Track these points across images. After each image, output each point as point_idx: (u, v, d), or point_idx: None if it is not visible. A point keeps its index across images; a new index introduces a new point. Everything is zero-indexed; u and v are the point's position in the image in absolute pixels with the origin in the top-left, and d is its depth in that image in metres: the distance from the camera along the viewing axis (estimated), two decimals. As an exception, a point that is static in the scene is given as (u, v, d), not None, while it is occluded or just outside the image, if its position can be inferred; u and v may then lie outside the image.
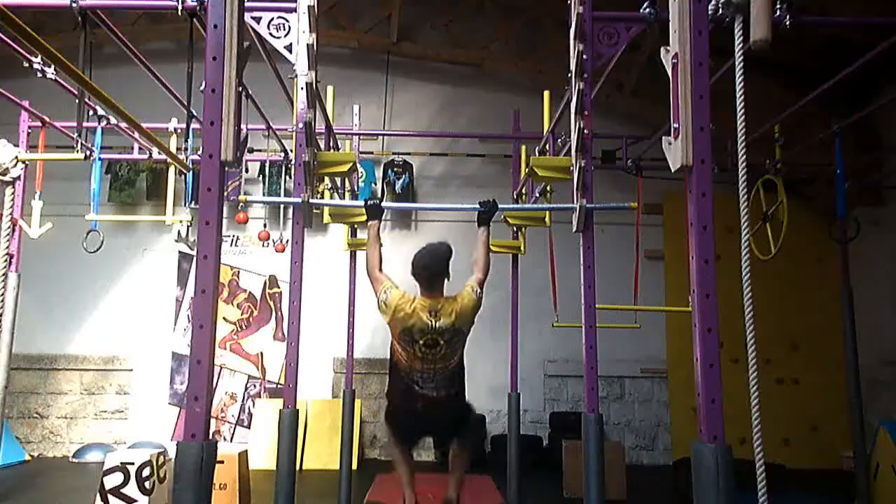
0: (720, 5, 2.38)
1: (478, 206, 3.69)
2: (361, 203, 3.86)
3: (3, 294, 5.08)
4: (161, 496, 4.66)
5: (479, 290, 3.73)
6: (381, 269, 3.76)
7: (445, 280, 3.73)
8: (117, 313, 7.99)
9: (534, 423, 7.87)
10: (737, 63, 2.08)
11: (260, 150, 6.74)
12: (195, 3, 3.61)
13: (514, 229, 5.40)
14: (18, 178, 5.16)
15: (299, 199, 3.29)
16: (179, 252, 7.91)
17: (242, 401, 7.94)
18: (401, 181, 7.84)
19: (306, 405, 7.51)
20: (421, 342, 3.60)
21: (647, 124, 7.29)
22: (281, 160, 6.84)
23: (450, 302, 3.66)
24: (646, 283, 6.36)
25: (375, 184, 8.10)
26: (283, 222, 7.09)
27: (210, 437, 2.04)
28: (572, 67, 3.19)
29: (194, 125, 4.31)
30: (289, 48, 3.43)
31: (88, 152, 5.17)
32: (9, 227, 5.21)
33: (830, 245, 5.74)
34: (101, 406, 7.87)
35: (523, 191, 5.43)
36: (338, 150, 5.04)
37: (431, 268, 3.69)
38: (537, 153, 4.93)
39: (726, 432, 1.89)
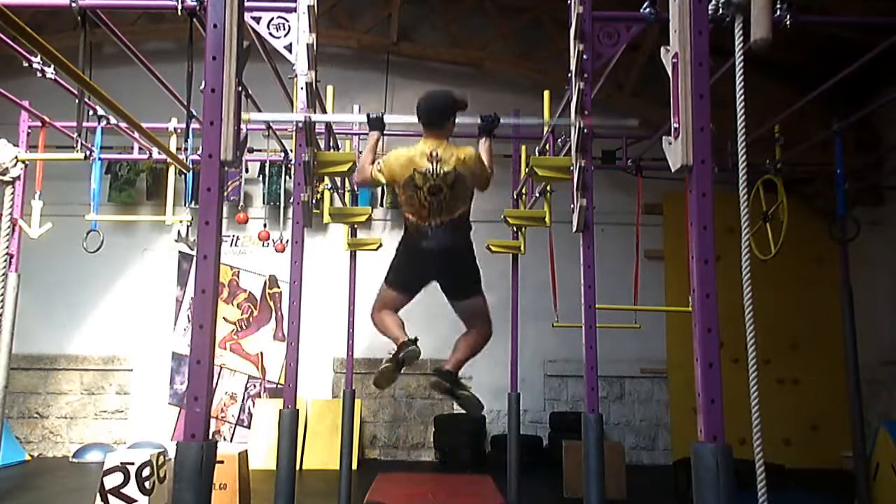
0: (720, 5, 2.38)
1: (479, 118, 3.73)
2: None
3: (3, 294, 5.09)
4: (161, 496, 4.66)
5: (481, 154, 3.73)
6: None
7: (448, 126, 3.68)
8: (117, 313, 7.99)
9: (534, 423, 7.87)
10: (737, 63, 2.08)
11: (260, 150, 6.74)
12: (195, 3, 3.61)
13: (514, 229, 5.40)
14: (18, 177, 5.17)
15: (302, 117, 3.24)
16: (179, 252, 7.91)
17: (242, 401, 7.94)
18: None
19: (306, 405, 7.51)
20: (425, 189, 3.54)
21: (647, 124, 7.29)
22: (281, 160, 6.85)
23: (451, 148, 3.62)
24: (646, 283, 6.36)
25: (375, 184, 8.09)
26: (283, 222, 7.09)
27: (210, 437, 2.04)
28: (572, 67, 3.19)
29: (194, 125, 4.31)
30: (289, 48, 3.42)
31: (88, 152, 5.18)
32: (9, 227, 5.21)
33: (830, 245, 5.74)
34: (101, 406, 7.87)
35: (523, 191, 5.43)
36: (338, 150, 5.04)
37: (432, 103, 3.65)
38: (537, 153, 4.93)
39: (726, 432, 1.89)
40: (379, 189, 8.05)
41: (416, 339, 3.67)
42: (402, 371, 3.80)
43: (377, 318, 3.85)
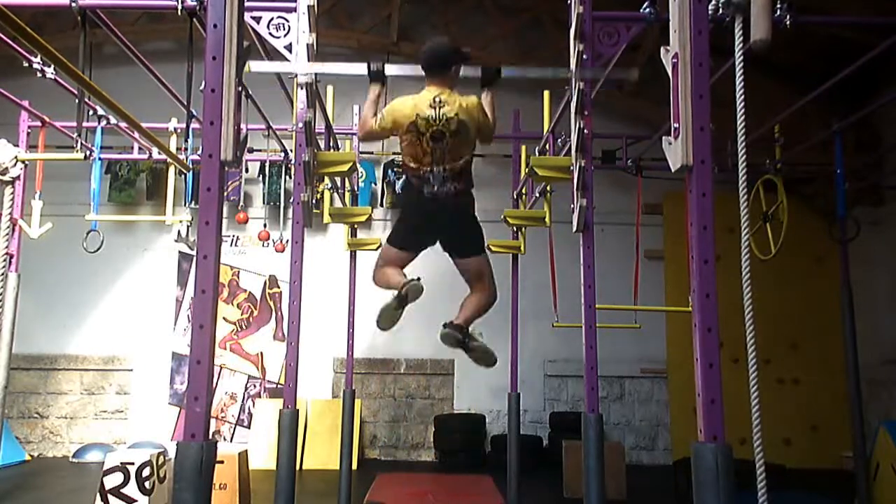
0: (720, 5, 2.38)
1: (481, 69, 3.69)
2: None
3: (3, 294, 5.08)
4: (161, 496, 4.66)
5: (487, 121, 3.72)
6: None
7: (451, 74, 3.68)
8: (117, 313, 7.99)
9: (534, 423, 7.87)
10: (737, 63, 2.08)
11: (260, 150, 6.74)
12: (195, 3, 3.61)
13: (514, 229, 5.40)
14: (18, 177, 5.17)
15: (304, 70, 3.20)
16: (179, 252, 7.91)
17: (242, 401, 7.94)
18: (401, 181, 7.80)
19: (306, 405, 7.51)
20: (427, 134, 3.55)
21: (648, 124, 7.29)
22: (281, 160, 6.85)
23: (454, 95, 3.63)
24: (646, 283, 6.36)
25: (375, 184, 8.10)
26: (283, 222, 7.09)
27: (210, 437, 2.04)
28: (572, 67, 3.19)
29: (194, 125, 4.31)
30: (289, 48, 3.42)
31: (88, 152, 5.18)
32: (9, 227, 5.21)
33: (830, 245, 5.74)
34: (101, 406, 7.87)
35: (523, 191, 5.43)
36: (338, 150, 5.04)
37: (434, 50, 3.67)
38: (537, 153, 4.93)
39: (726, 432, 1.89)
40: (379, 189, 8.06)
41: (418, 278, 3.64)
42: (405, 308, 3.67)
43: (377, 274, 3.78)
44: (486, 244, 3.84)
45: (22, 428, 7.71)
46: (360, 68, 3.54)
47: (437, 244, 3.78)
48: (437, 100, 3.58)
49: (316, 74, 3.35)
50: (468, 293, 3.77)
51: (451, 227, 3.69)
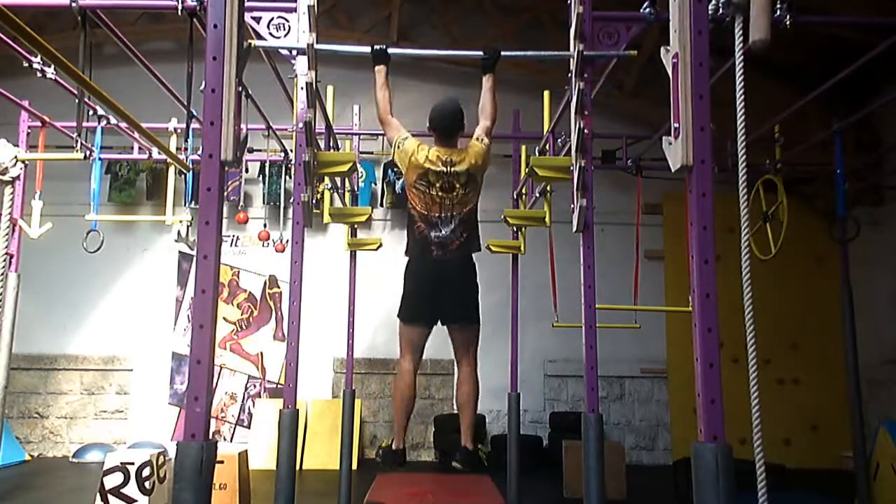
0: (720, 5, 2.38)
1: (482, 53, 3.79)
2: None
3: (3, 294, 5.08)
4: (161, 496, 4.66)
5: (485, 140, 3.94)
6: (391, 114, 3.91)
7: (460, 133, 3.98)
8: (117, 313, 7.99)
9: (534, 423, 7.88)
10: (737, 63, 2.08)
11: (260, 150, 6.73)
12: (195, 3, 3.61)
13: (514, 229, 5.39)
14: (18, 177, 5.16)
15: (306, 41, 3.20)
16: (179, 252, 7.91)
17: (242, 401, 7.94)
18: (401, 181, 7.84)
19: (306, 405, 7.51)
20: (437, 185, 3.75)
21: (648, 124, 7.29)
22: (281, 160, 6.84)
23: (461, 152, 3.88)
24: (646, 283, 6.36)
25: (375, 184, 8.10)
26: (283, 222, 7.09)
27: (210, 437, 2.04)
28: (572, 67, 3.19)
29: (194, 125, 4.31)
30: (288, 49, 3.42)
31: (88, 152, 5.17)
32: (9, 227, 5.21)
33: (830, 245, 5.74)
34: (101, 406, 7.87)
35: (523, 191, 5.43)
36: (338, 150, 5.03)
37: (449, 118, 3.94)
38: (537, 153, 4.93)
39: (726, 432, 1.89)
40: (379, 189, 8.06)
41: (404, 453, 4.00)
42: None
43: (396, 383, 4.14)
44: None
45: (22, 428, 7.71)
46: (363, 50, 3.64)
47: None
48: (449, 160, 3.82)
49: (316, 75, 3.35)
50: (458, 382, 4.09)
51: (457, 291, 3.89)
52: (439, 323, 4.04)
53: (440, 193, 3.73)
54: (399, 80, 8.41)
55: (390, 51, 3.74)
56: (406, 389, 4.05)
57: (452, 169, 3.79)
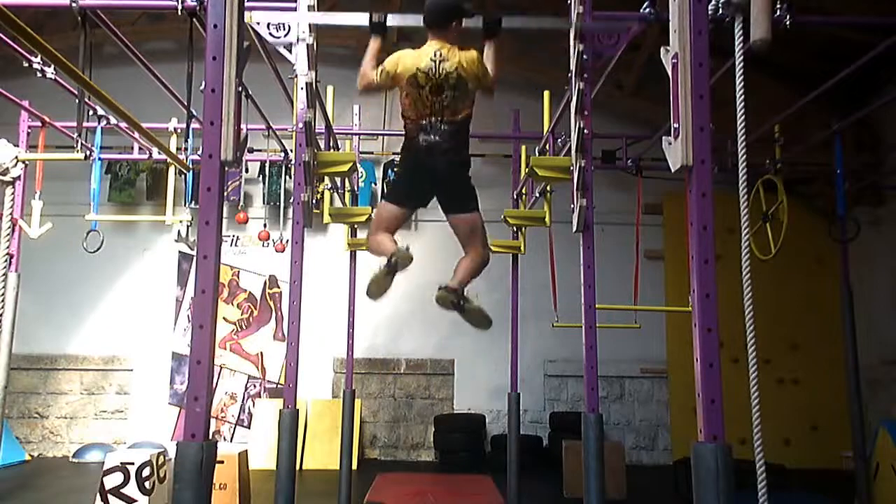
0: (720, 5, 2.39)
1: (482, 20, 3.71)
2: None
3: (3, 294, 5.08)
4: (161, 496, 4.66)
5: (477, 54, 3.71)
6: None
7: (452, 28, 3.69)
8: (117, 313, 7.99)
9: (534, 423, 7.87)
10: (737, 63, 2.08)
11: (260, 150, 6.74)
12: (195, 3, 3.61)
13: (514, 229, 5.40)
14: (18, 177, 5.16)
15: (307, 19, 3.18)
16: (179, 252, 7.91)
17: (242, 401, 7.94)
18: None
19: (306, 405, 7.51)
20: (427, 88, 3.60)
21: (648, 124, 7.29)
22: (281, 160, 6.84)
23: (455, 50, 3.66)
24: (646, 283, 6.36)
25: (375, 184, 8.10)
26: (283, 222, 7.09)
27: (210, 437, 2.04)
28: (572, 67, 3.19)
29: (194, 125, 4.31)
30: (289, 48, 3.43)
31: (88, 152, 5.17)
32: (9, 227, 5.20)
33: (830, 245, 5.74)
34: (101, 406, 7.87)
35: (523, 191, 5.43)
36: (338, 150, 5.04)
37: (437, 4, 3.68)
38: (537, 153, 4.93)
39: (726, 432, 1.89)
40: (379, 189, 8.05)
41: (407, 247, 3.66)
42: (395, 277, 3.72)
43: (372, 241, 3.79)
44: (478, 204, 3.83)
45: (22, 428, 7.71)
46: (362, 19, 3.56)
47: (431, 206, 3.79)
48: (438, 54, 3.61)
49: (316, 75, 3.35)
50: (461, 256, 3.79)
51: (447, 182, 3.71)
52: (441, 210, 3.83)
53: (429, 96, 3.59)
54: (399, 80, 8.47)
55: (388, 21, 3.69)
56: (385, 233, 3.78)
57: (441, 65, 3.60)
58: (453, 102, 3.64)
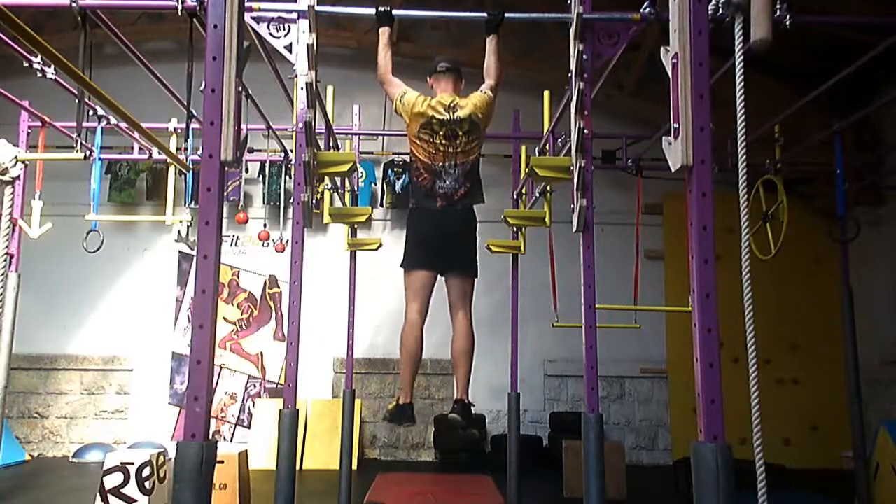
0: (720, 5, 2.38)
1: (485, 14, 3.90)
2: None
3: (3, 294, 5.08)
4: (161, 496, 4.66)
5: (490, 94, 3.97)
6: (392, 74, 3.97)
7: (461, 81, 4.03)
8: (117, 313, 7.99)
9: (534, 423, 7.87)
10: (737, 63, 2.08)
11: (260, 150, 6.74)
12: (195, 3, 3.60)
13: (514, 229, 5.39)
14: (18, 177, 5.16)
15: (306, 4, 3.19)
16: (179, 252, 7.91)
17: (242, 401, 7.94)
18: (401, 181, 7.84)
19: (306, 405, 7.51)
20: (441, 133, 3.78)
21: (648, 124, 7.29)
22: (281, 160, 6.84)
23: (465, 98, 3.92)
24: (646, 283, 6.36)
25: (375, 184, 8.11)
26: (283, 222, 7.09)
27: (210, 437, 2.04)
28: (572, 67, 3.19)
29: (194, 125, 4.31)
30: (289, 48, 3.43)
31: (88, 152, 5.17)
32: (9, 227, 5.20)
33: (830, 245, 5.74)
34: (101, 406, 7.87)
35: (523, 191, 5.43)
36: (338, 150, 5.03)
37: (450, 61, 4.05)
38: (537, 153, 4.92)
39: (726, 432, 1.89)
40: (379, 189, 8.06)
41: (412, 407, 3.99)
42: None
43: (404, 334, 4.04)
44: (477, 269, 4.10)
45: (22, 428, 7.71)
46: (368, 11, 3.65)
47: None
48: (452, 105, 3.85)
49: (316, 75, 3.35)
50: (453, 340, 4.06)
51: (459, 242, 3.90)
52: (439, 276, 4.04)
53: (444, 142, 3.77)
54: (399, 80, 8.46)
55: (394, 12, 3.79)
56: (413, 342, 4.02)
57: (455, 115, 3.82)
58: (467, 146, 3.87)
